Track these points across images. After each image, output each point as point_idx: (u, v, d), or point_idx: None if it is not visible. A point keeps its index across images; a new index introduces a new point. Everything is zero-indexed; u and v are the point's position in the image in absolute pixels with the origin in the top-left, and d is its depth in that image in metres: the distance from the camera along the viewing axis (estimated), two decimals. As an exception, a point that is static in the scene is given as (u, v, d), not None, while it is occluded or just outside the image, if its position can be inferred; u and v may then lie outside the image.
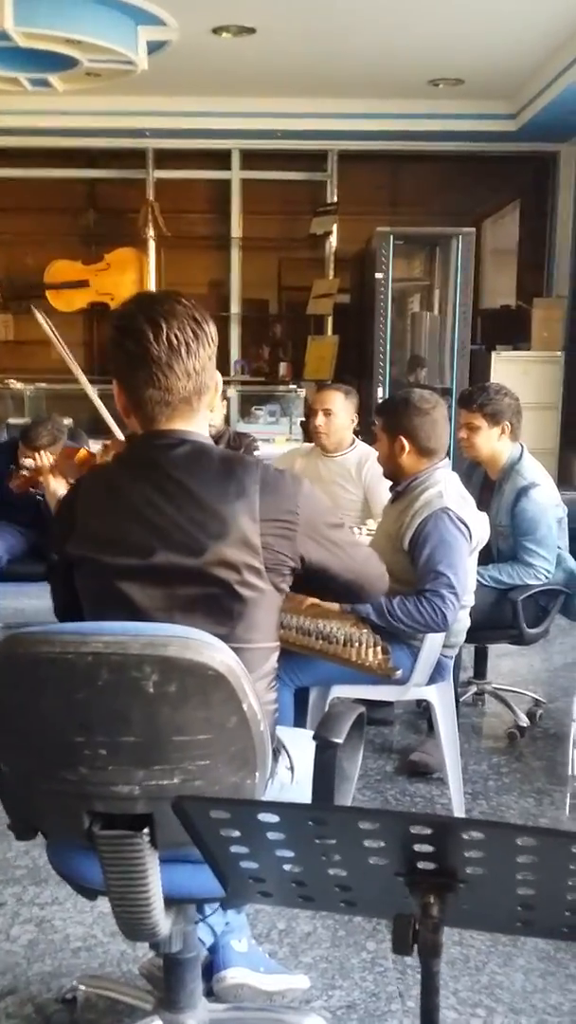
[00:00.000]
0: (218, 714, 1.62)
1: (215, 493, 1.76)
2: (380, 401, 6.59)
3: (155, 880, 1.69)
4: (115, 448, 2.85)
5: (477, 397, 3.86)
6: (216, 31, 5.62)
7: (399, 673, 2.97)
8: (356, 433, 4.62)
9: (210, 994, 2.25)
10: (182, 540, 1.74)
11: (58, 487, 3.72)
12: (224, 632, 1.73)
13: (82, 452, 3.71)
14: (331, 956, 2.52)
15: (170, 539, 1.74)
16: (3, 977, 2.43)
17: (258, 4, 5.23)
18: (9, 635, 1.68)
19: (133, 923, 1.75)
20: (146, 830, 1.65)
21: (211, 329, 1.81)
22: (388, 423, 3.21)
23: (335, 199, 7.58)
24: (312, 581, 1.92)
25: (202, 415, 1.86)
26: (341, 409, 4.42)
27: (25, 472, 4.17)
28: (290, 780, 1.94)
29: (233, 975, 2.29)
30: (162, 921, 1.75)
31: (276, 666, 1.92)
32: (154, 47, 5.70)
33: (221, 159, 7.60)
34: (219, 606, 1.75)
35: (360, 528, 3.98)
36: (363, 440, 4.60)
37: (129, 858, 1.67)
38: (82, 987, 2.33)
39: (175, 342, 1.74)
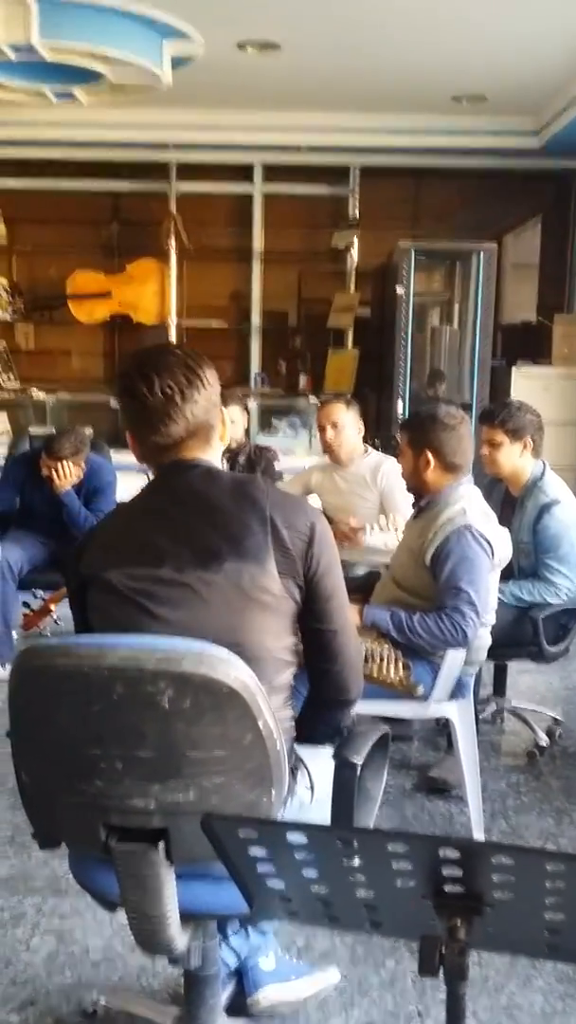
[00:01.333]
0: (233, 731, 1.62)
1: (228, 504, 1.85)
2: (401, 415, 6.62)
3: (170, 894, 1.70)
4: None
5: (499, 413, 3.87)
6: (240, 46, 5.64)
7: (421, 689, 2.97)
8: (373, 445, 4.65)
9: (230, 1011, 2.25)
10: (196, 549, 1.80)
11: None
12: (239, 640, 1.75)
13: None
14: (350, 974, 2.52)
15: (184, 548, 1.81)
16: (24, 988, 2.44)
17: (283, 20, 5.25)
18: (27, 647, 1.71)
19: (148, 936, 1.76)
20: (161, 844, 1.66)
21: (207, 373, 1.92)
22: (414, 438, 3.21)
23: (357, 213, 7.60)
24: (305, 616, 1.91)
25: (213, 448, 1.96)
26: (346, 420, 4.48)
27: (31, 612, 4.53)
28: (309, 799, 1.94)
29: (266, 995, 2.30)
30: (178, 936, 1.76)
31: (292, 683, 1.93)
32: (179, 62, 5.73)
33: (244, 173, 7.63)
34: (237, 613, 1.79)
35: (374, 526, 4.00)
36: (380, 451, 4.63)
37: (144, 872, 1.68)
38: (103, 1000, 2.34)
39: (169, 391, 1.86)
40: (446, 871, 1.21)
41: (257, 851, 1.24)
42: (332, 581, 1.92)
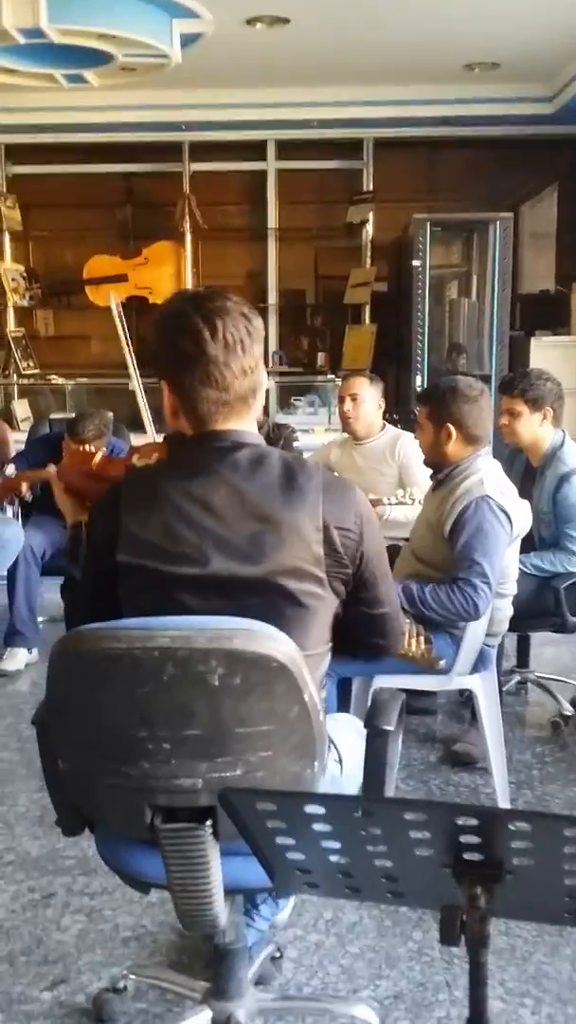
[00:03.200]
0: (281, 705, 1.63)
1: (277, 501, 1.72)
2: (421, 389, 6.59)
3: (217, 872, 1.71)
4: (149, 454, 2.72)
5: (519, 383, 3.84)
6: (250, 22, 5.60)
7: (442, 663, 2.96)
8: (393, 420, 4.63)
9: (258, 983, 2.27)
10: (242, 549, 1.70)
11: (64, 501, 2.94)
12: None
13: (99, 458, 3.16)
14: (378, 946, 2.53)
15: (229, 547, 1.71)
16: (55, 966, 2.47)
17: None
18: (72, 632, 1.67)
19: (194, 915, 1.77)
20: (208, 822, 1.66)
21: (260, 325, 1.79)
22: (435, 411, 3.19)
23: (371, 187, 7.54)
24: (354, 604, 1.88)
25: (254, 414, 1.83)
26: (367, 394, 4.45)
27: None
28: (339, 772, 1.95)
29: None
30: (221, 912, 1.77)
31: (327, 668, 1.93)
32: (188, 40, 5.70)
33: (256, 150, 7.59)
34: (279, 615, 1.71)
35: (391, 499, 3.98)
36: (400, 427, 4.61)
37: (192, 850, 1.68)
38: (132, 976, 2.36)
39: (231, 340, 1.72)
40: (464, 839, 1.21)
41: (276, 823, 1.24)
42: (381, 568, 1.88)
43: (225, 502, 1.72)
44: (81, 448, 4.49)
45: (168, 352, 1.77)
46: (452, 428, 3.14)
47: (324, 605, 1.78)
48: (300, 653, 1.64)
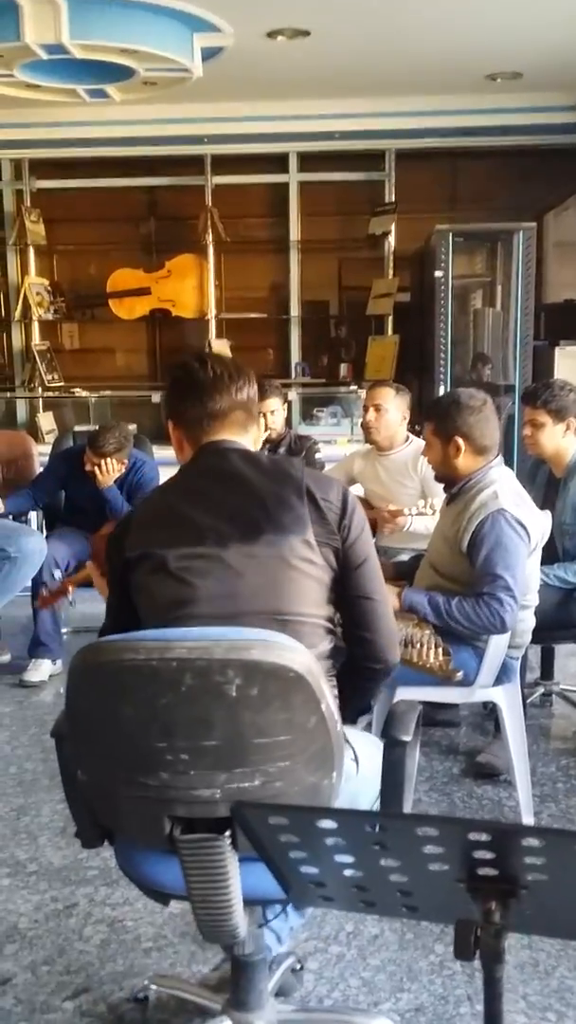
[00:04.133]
0: (299, 715, 1.65)
1: (265, 481, 1.95)
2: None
3: (236, 882, 1.72)
4: None
5: (541, 393, 3.83)
6: (271, 35, 5.63)
7: (460, 675, 2.96)
8: (416, 432, 4.62)
9: (278, 995, 2.27)
10: (237, 524, 1.89)
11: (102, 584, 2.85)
12: (280, 608, 1.86)
13: None
14: (399, 959, 2.53)
15: (225, 524, 1.90)
16: (77, 976, 2.48)
17: (312, 7, 5.22)
18: (90, 644, 1.71)
19: (215, 926, 1.78)
20: (227, 833, 1.67)
21: (251, 379, 2.08)
22: (441, 426, 3.19)
23: (393, 198, 7.55)
24: (343, 584, 2.00)
25: (251, 435, 2.08)
26: (392, 405, 4.45)
27: (47, 592, 4.24)
28: (355, 771, 1.96)
29: None
30: (241, 923, 1.77)
31: (331, 654, 1.99)
32: (209, 53, 5.73)
33: (278, 162, 7.60)
34: (276, 582, 1.87)
35: (413, 509, 3.98)
36: (420, 436, 4.61)
37: (211, 861, 1.69)
38: (153, 987, 2.37)
39: (218, 371, 2.04)
40: (478, 854, 1.21)
41: (288, 838, 1.25)
42: (365, 548, 2.04)
43: (219, 487, 1.96)
44: (101, 482, 4.60)
45: (169, 391, 2.12)
46: (460, 441, 3.14)
47: (319, 571, 1.94)
48: (317, 664, 1.66)
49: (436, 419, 3.22)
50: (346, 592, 2.02)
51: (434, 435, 3.21)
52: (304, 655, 1.65)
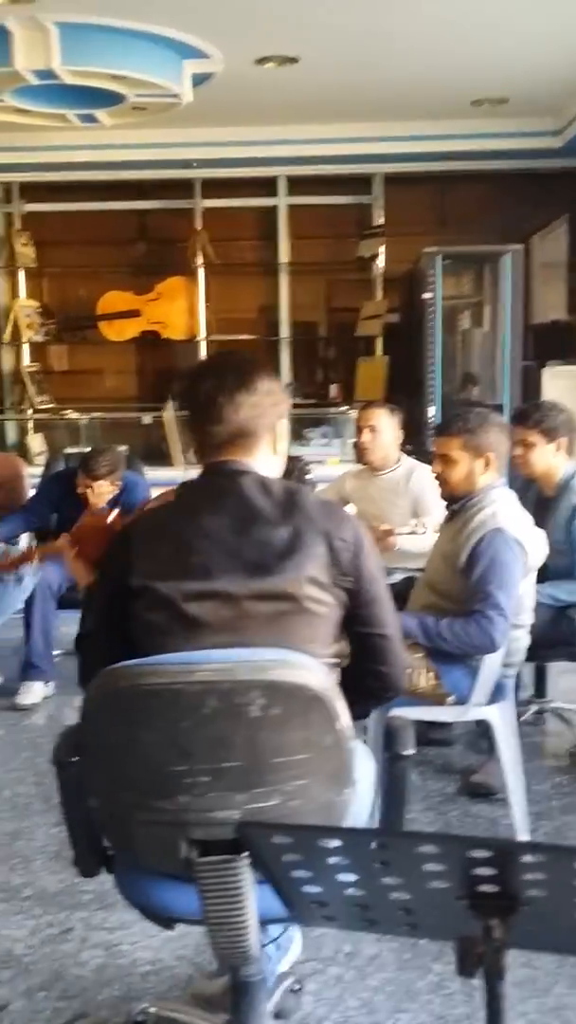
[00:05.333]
0: (316, 734, 1.67)
1: (278, 515, 1.86)
2: (432, 420, 6.62)
3: (252, 902, 1.72)
4: (161, 501, 2.80)
5: (532, 414, 3.86)
6: (259, 61, 5.69)
7: (451, 699, 2.97)
8: (407, 452, 4.65)
9: (277, 1016, 2.27)
10: (250, 561, 1.83)
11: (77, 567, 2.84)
12: (287, 647, 1.78)
13: (113, 516, 3.23)
14: (398, 979, 2.52)
15: (237, 561, 1.83)
16: (73, 1001, 2.47)
17: (300, 34, 5.29)
18: (109, 669, 1.71)
19: (230, 948, 1.77)
20: (245, 854, 1.67)
21: (260, 382, 1.97)
22: (473, 441, 3.18)
23: (382, 221, 7.61)
24: (354, 621, 1.96)
25: (261, 452, 1.97)
26: (386, 426, 4.47)
27: (14, 555, 4.20)
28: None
29: None
30: (256, 944, 1.78)
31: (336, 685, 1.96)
32: (199, 79, 5.79)
33: (267, 186, 7.67)
34: (286, 622, 1.82)
35: (405, 528, 4.00)
36: (416, 458, 4.63)
37: (229, 883, 1.69)
38: (152, 1010, 2.36)
39: (231, 384, 1.93)
40: (478, 871, 1.22)
41: (292, 857, 1.26)
42: (378, 586, 1.99)
43: (232, 520, 1.86)
44: (93, 504, 4.60)
45: (184, 402, 2.03)
46: (492, 456, 3.17)
47: (328, 611, 1.88)
48: (333, 682, 1.67)
49: (467, 435, 3.20)
50: (358, 628, 1.97)
51: (463, 450, 3.19)
52: (321, 673, 1.67)
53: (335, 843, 1.22)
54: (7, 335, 7.67)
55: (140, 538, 1.92)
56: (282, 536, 1.84)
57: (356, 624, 1.97)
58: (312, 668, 1.66)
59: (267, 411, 1.97)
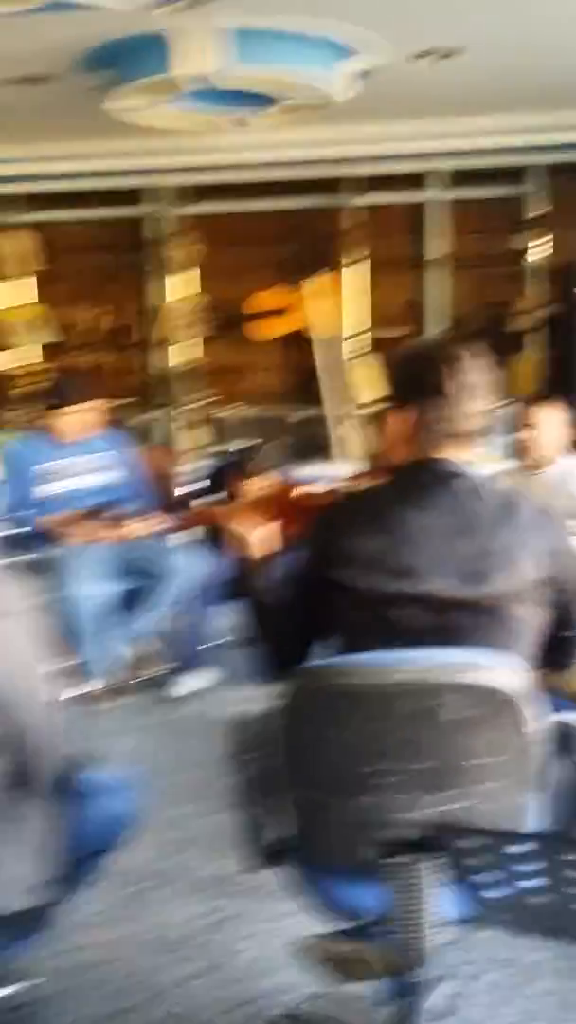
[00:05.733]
0: (507, 737, 1.65)
1: (496, 528, 1.82)
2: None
3: (433, 905, 1.71)
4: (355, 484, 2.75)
5: None
6: (420, 55, 5.56)
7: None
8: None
9: (433, 1020, 2.23)
10: (461, 570, 1.79)
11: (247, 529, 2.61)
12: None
13: (301, 493, 3.15)
14: (555, 988, 2.47)
15: (447, 568, 1.79)
16: (227, 990, 2.49)
17: (462, 26, 5.15)
18: (304, 669, 1.74)
19: (413, 948, 1.77)
20: (431, 855, 1.65)
21: (490, 380, 1.95)
22: None
23: (539, 213, 7.45)
24: (554, 625, 1.93)
25: (474, 451, 1.95)
26: (550, 422, 4.34)
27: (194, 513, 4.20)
28: None
29: None
30: (432, 945, 1.77)
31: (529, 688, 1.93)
32: (352, 78, 5.75)
33: (419, 181, 7.60)
34: (489, 636, 1.78)
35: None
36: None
37: (412, 884, 1.69)
38: (306, 1005, 2.36)
39: (466, 384, 1.89)
40: None
41: (479, 859, 1.24)
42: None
43: (445, 526, 1.82)
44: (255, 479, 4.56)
45: (413, 385, 1.94)
46: None
47: (530, 628, 1.85)
48: (527, 684, 1.66)
49: None
50: (559, 631, 1.93)
51: None
52: (516, 676, 1.65)
53: (527, 848, 1.19)
54: (161, 333, 7.84)
55: (348, 526, 1.89)
56: (498, 544, 1.80)
57: (558, 628, 1.93)
58: (507, 670, 1.64)
59: (490, 410, 1.96)
